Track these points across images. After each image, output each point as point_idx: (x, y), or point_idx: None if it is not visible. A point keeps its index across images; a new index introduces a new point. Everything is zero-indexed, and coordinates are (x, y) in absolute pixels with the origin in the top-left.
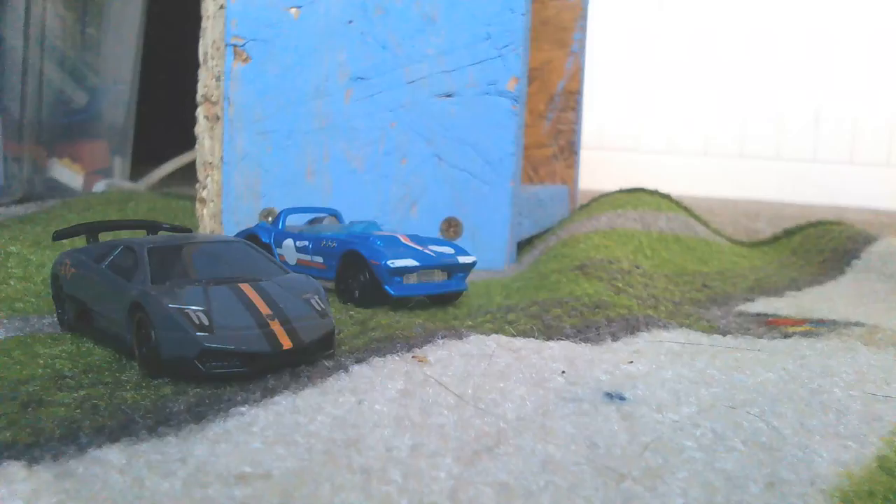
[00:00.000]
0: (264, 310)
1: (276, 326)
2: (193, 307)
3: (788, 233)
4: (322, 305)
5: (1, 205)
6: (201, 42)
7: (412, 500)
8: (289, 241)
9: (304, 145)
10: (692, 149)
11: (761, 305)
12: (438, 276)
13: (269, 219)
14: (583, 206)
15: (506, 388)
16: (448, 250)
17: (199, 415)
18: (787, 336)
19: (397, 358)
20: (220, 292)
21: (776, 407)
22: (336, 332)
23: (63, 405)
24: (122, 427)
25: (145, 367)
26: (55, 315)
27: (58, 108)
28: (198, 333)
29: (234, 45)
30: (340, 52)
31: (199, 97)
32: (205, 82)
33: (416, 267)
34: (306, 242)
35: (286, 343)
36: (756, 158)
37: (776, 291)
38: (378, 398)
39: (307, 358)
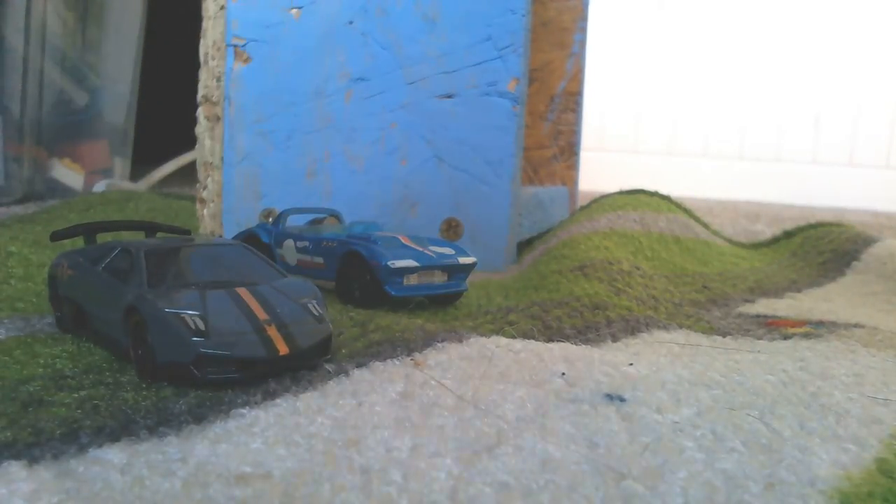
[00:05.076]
0: (261, 314)
1: (272, 332)
2: (189, 311)
3: (788, 234)
4: (319, 310)
5: (1, 205)
6: (202, 42)
7: (412, 501)
8: (289, 242)
9: (304, 146)
10: (692, 150)
11: (761, 307)
12: (438, 277)
13: (270, 219)
14: (583, 208)
15: (506, 389)
16: (448, 251)
17: (199, 415)
18: (786, 338)
19: (397, 361)
20: (217, 296)
21: (776, 409)
22: (336, 334)
23: (63, 405)
24: (122, 427)
25: (141, 372)
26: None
27: (58, 109)
28: (193, 338)
29: (235, 46)
30: (341, 53)
31: (199, 97)
32: (205, 83)
33: (416, 267)
34: (307, 243)
35: (283, 348)
36: (756, 160)
37: (776, 293)
38: (378, 400)
39: (304, 363)
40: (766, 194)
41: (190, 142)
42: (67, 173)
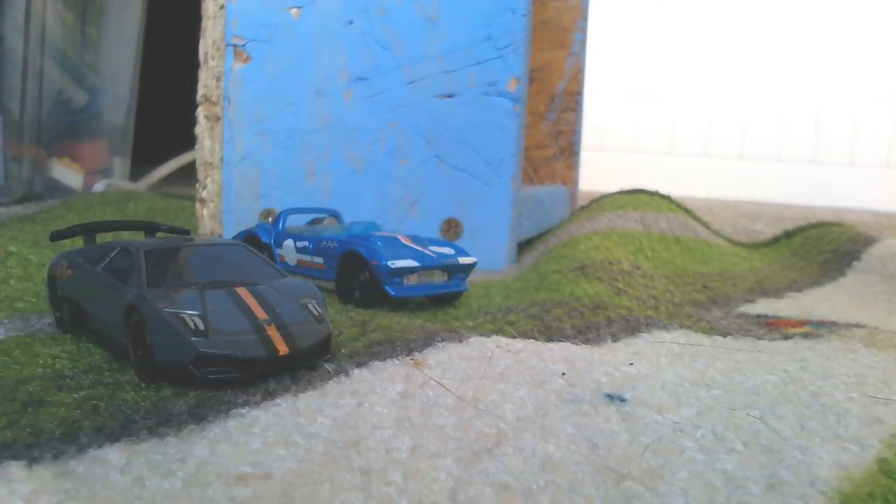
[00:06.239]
0: (261, 314)
1: (272, 332)
2: (189, 311)
3: (789, 234)
4: (319, 310)
5: (1, 205)
6: (202, 42)
7: (412, 501)
8: (289, 242)
9: (304, 145)
10: (692, 150)
11: (762, 307)
12: (438, 277)
13: (270, 219)
14: (583, 207)
15: (506, 389)
16: (448, 251)
17: (199, 416)
18: (787, 337)
19: (397, 361)
20: (217, 296)
21: (776, 409)
22: (336, 334)
23: (63, 405)
24: (122, 427)
25: (140, 372)
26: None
27: (58, 108)
28: (193, 338)
29: (235, 46)
30: (341, 53)
31: (199, 97)
32: (205, 82)
33: (416, 267)
34: (306, 243)
35: (282, 348)
36: (756, 160)
37: (776, 293)
38: (378, 400)
39: (303, 364)
40: (766, 194)
41: (190, 142)
42: (67, 173)
